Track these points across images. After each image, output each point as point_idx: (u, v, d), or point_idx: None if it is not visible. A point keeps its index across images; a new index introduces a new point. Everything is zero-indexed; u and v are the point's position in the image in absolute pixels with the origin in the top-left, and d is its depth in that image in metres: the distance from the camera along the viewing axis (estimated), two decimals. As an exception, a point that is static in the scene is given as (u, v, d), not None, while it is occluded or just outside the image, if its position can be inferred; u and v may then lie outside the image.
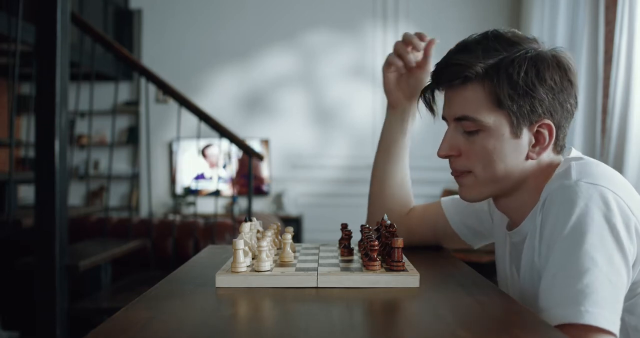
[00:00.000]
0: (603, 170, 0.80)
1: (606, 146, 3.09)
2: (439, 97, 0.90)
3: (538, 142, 0.83)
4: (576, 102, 0.84)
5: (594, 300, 0.69)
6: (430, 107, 0.90)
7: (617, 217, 0.73)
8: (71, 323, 2.05)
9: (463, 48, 0.84)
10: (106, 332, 0.59)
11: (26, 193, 4.57)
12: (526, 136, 0.82)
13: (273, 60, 5.13)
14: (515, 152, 0.82)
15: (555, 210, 0.76)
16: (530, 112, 0.80)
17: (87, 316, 2.19)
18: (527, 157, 0.83)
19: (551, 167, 0.85)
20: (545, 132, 0.82)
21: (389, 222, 0.89)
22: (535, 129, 0.82)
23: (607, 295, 0.70)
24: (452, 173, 0.90)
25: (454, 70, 0.83)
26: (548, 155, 0.85)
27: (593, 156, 3.46)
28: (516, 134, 0.81)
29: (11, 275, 2.64)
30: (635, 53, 2.83)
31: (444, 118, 0.90)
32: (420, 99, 0.90)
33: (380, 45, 5.07)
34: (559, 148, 0.86)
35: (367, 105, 5.12)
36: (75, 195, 5.05)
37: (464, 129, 0.85)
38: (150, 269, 2.70)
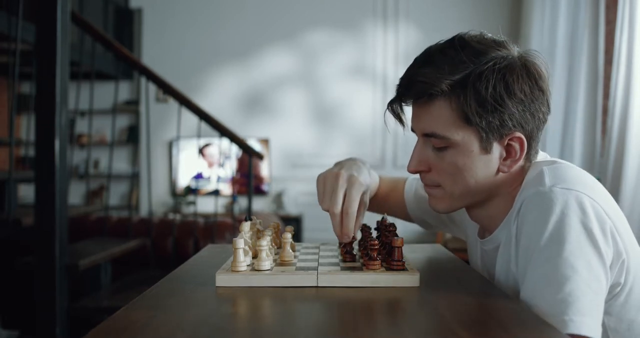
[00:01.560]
0: (576, 174, 0.79)
1: (606, 146, 3.09)
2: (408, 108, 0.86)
3: (509, 154, 0.81)
4: (548, 109, 0.81)
5: (576, 309, 0.68)
6: (399, 119, 0.85)
7: (593, 222, 0.72)
8: (71, 323, 2.05)
9: (428, 60, 0.80)
10: (106, 332, 0.59)
11: (26, 192, 4.57)
12: (497, 150, 0.80)
13: (273, 60, 5.13)
14: (485, 167, 0.81)
15: (532, 217, 0.75)
16: (500, 127, 0.78)
17: (87, 315, 2.19)
18: (498, 171, 0.82)
19: (522, 173, 0.84)
20: (517, 145, 0.80)
21: (389, 221, 0.89)
22: (505, 142, 0.80)
23: (589, 302, 0.69)
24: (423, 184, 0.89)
25: (419, 88, 0.79)
26: (521, 166, 0.83)
27: (593, 156, 3.46)
28: (486, 149, 0.79)
29: (11, 275, 2.64)
30: (635, 53, 2.83)
31: (413, 130, 0.86)
32: (387, 111, 0.84)
33: (380, 45, 5.07)
34: (531, 156, 0.84)
35: (367, 104, 5.12)
36: (75, 194, 5.05)
37: (432, 145, 0.82)
38: (150, 268, 2.70)
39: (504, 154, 0.81)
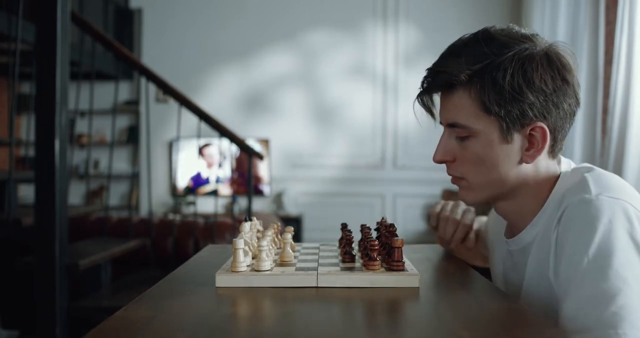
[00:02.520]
0: (618, 183, 0.78)
1: (606, 146, 3.09)
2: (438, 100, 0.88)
3: (532, 145, 0.80)
4: (577, 101, 0.81)
5: (630, 322, 0.66)
6: (430, 111, 0.88)
7: (639, 233, 0.71)
8: (71, 323, 2.05)
9: (452, 52, 0.82)
10: (106, 332, 0.59)
11: (26, 192, 4.57)
12: (518, 140, 0.80)
13: (273, 60, 5.13)
14: (507, 157, 0.80)
15: (578, 226, 0.73)
16: (520, 116, 0.78)
17: (87, 315, 2.19)
18: (522, 161, 0.81)
19: (551, 174, 0.84)
20: (538, 135, 0.80)
21: (389, 221, 0.89)
22: (527, 132, 0.79)
23: (630, 302, 0.67)
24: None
25: (440, 78, 0.81)
26: (546, 161, 0.84)
27: (593, 156, 3.46)
28: (506, 139, 0.79)
29: (11, 275, 2.64)
30: (635, 53, 2.83)
31: (441, 122, 0.87)
32: (417, 103, 0.87)
33: (380, 45, 5.07)
34: (557, 150, 0.84)
35: (367, 104, 5.12)
36: (75, 194, 5.05)
37: (456, 134, 0.83)
38: (150, 268, 2.70)
39: (527, 144, 0.80)
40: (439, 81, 0.82)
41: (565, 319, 0.71)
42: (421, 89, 0.86)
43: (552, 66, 0.78)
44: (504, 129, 0.79)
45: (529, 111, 0.77)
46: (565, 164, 0.88)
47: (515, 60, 0.76)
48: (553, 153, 0.84)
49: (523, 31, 0.81)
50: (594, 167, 0.82)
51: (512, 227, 0.90)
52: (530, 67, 0.76)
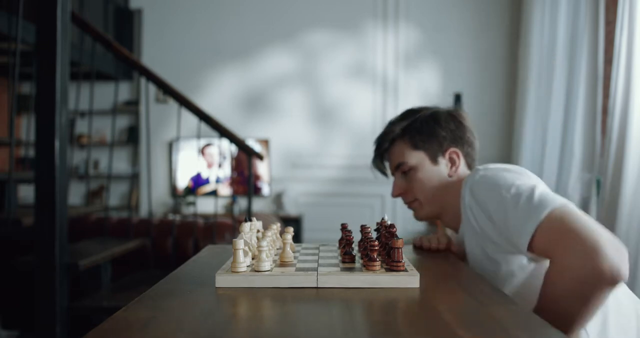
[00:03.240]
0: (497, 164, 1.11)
1: (606, 146, 3.09)
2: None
3: (453, 163, 1.18)
4: (473, 135, 1.21)
5: (552, 198, 0.91)
6: (383, 172, 1.28)
7: (506, 166, 1.06)
8: (71, 323, 2.05)
9: (388, 126, 1.23)
10: (106, 332, 0.59)
11: (26, 192, 4.57)
12: (443, 162, 1.18)
13: (273, 60, 5.13)
14: (439, 174, 1.18)
15: (484, 188, 1.01)
16: (439, 146, 1.18)
17: (87, 315, 2.19)
18: (449, 175, 1.18)
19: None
20: (455, 156, 1.19)
21: (389, 222, 0.89)
22: (447, 155, 1.18)
23: (541, 190, 0.94)
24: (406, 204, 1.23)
25: (384, 140, 1.22)
26: (464, 172, 1.18)
27: (593, 156, 3.46)
28: (436, 161, 1.18)
29: (11, 275, 2.64)
30: (635, 53, 2.83)
31: (393, 174, 1.24)
32: (374, 170, 1.30)
33: (380, 45, 5.07)
34: (471, 164, 1.21)
35: (367, 104, 5.12)
36: (75, 194, 5.05)
37: (402, 172, 1.19)
38: (150, 269, 2.70)
39: (449, 164, 1.18)
40: (383, 142, 1.22)
41: (515, 233, 0.93)
42: (375, 154, 1.26)
43: (451, 115, 1.20)
44: (431, 156, 1.18)
45: (444, 142, 1.18)
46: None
47: (428, 114, 1.19)
48: (469, 166, 1.21)
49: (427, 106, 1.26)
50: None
51: (457, 229, 1.18)
52: (438, 115, 1.19)
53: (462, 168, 1.18)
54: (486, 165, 1.09)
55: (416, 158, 1.17)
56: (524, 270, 0.97)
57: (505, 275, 0.98)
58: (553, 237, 0.87)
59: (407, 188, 1.19)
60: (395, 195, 1.21)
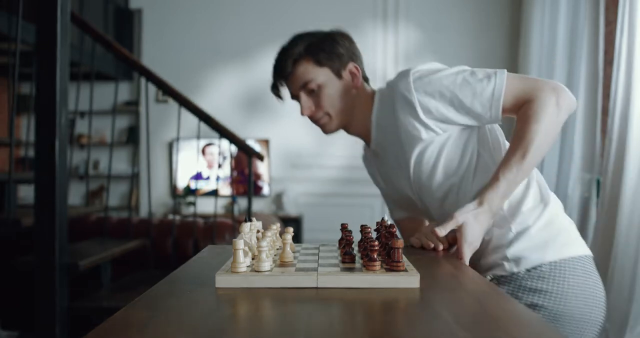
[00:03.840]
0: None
1: (607, 147, 3.09)
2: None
3: (354, 76, 1.26)
4: (360, 53, 1.30)
5: (483, 70, 1.11)
6: (280, 96, 1.34)
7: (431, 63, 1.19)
8: (71, 323, 2.05)
9: (282, 53, 1.27)
10: (106, 332, 0.59)
11: (26, 193, 4.57)
12: (346, 75, 1.25)
13: (273, 60, 5.13)
14: (345, 88, 1.25)
15: (426, 83, 1.12)
16: (340, 62, 1.24)
17: (87, 315, 2.19)
18: (353, 88, 1.26)
19: (370, 92, 1.28)
20: (355, 70, 1.26)
21: (389, 222, 0.89)
22: (347, 69, 1.25)
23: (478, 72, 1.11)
24: (314, 122, 1.28)
25: (285, 63, 1.24)
26: (364, 85, 1.28)
27: (593, 156, 3.46)
28: (340, 76, 1.24)
29: (11, 275, 2.64)
30: (636, 54, 2.82)
31: (293, 97, 1.30)
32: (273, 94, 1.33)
33: (380, 45, 5.07)
34: (366, 79, 1.30)
35: (367, 105, 5.12)
36: (75, 194, 5.05)
37: (310, 90, 1.24)
38: (150, 269, 2.70)
39: (351, 77, 1.26)
40: (285, 65, 1.25)
41: (486, 102, 1.09)
42: (275, 80, 1.30)
43: (343, 34, 1.28)
44: (335, 71, 1.24)
45: (343, 57, 1.25)
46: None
47: (325, 34, 1.26)
48: (367, 82, 1.30)
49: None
50: None
51: (365, 137, 1.29)
52: (334, 35, 1.26)
53: (362, 82, 1.28)
54: (406, 70, 1.17)
55: (323, 75, 1.23)
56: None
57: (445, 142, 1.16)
58: (522, 88, 1.08)
59: (317, 105, 1.25)
60: (307, 113, 1.26)
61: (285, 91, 1.31)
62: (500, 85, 1.08)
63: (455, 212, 1.04)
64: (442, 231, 1.03)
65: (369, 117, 1.25)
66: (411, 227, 1.37)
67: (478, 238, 1.04)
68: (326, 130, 1.29)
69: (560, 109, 1.06)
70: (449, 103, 1.11)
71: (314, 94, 1.24)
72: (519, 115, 1.10)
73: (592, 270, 1.12)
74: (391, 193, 1.36)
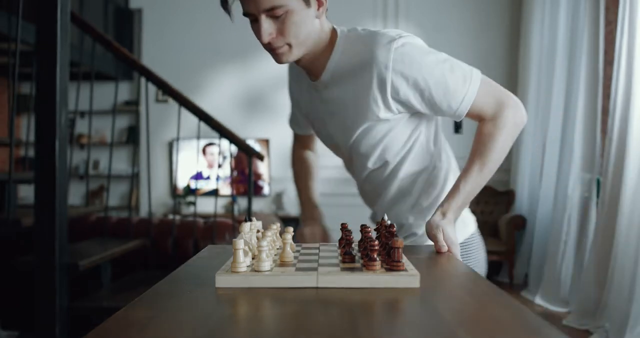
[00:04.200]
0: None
1: (607, 147, 3.09)
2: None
3: (321, 4, 1.12)
4: None
5: (461, 69, 1.11)
6: (228, 12, 1.16)
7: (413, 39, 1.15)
8: (71, 323, 2.05)
9: None
10: (106, 332, 0.59)
11: (26, 192, 4.58)
12: (313, 4, 1.10)
13: (273, 60, 5.13)
14: (310, 16, 1.11)
15: (411, 59, 1.09)
16: None
17: (87, 315, 2.19)
18: (317, 17, 1.13)
19: (329, 27, 1.18)
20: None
21: (389, 222, 0.89)
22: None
23: (455, 60, 1.12)
24: (269, 50, 1.14)
25: None
26: (325, 20, 1.16)
27: (593, 156, 3.45)
28: (308, 4, 1.09)
29: (11, 275, 2.64)
30: (636, 54, 2.83)
31: (248, 15, 1.11)
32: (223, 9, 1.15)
33: (380, 45, 5.07)
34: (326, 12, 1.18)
35: (367, 105, 5.12)
36: (75, 194, 5.05)
37: (274, 15, 1.08)
38: (150, 269, 2.70)
39: (317, 5, 1.11)
40: None
41: (455, 100, 1.11)
42: None
43: None
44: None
45: None
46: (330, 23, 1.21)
47: None
48: (325, 13, 1.17)
49: None
50: (356, 27, 1.19)
51: (314, 72, 1.21)
52: None
53: (324, 15, 1.17)
54: (389, 37, 1.11)
55: (294, 0, 1.07)
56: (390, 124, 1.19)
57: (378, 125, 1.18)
58: (489, 102, 1.12)
59: (279, 32, 1.10)
60: (268, 40, 1.11)
61: (236, 6, 1.15)
62: (472, 93, 1.10)
63: (428, 228, 1.09)
64: (444, 248, 1.06)
65: (327, 57, 1.17)
66: (304, 143, 1.61)
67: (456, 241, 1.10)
68: (282, 60, 1.16)
69: (517, 126, 1.13)
70: (420, 93, 1.11)
71: (278, 19, 1.09)
72: (482, 129, 1.15)
73: (480, 238, 1.31)
74: (310, 123, 1.40)
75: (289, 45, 1.12)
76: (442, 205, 1.12)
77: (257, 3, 1.07)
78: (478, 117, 1.15)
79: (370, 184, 1.32)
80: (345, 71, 1.16)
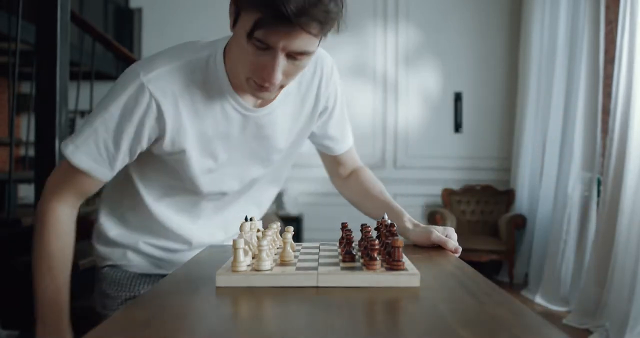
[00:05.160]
0: None
1: (607, 146, 3.09)
2: None
3: None
4: None
5: None
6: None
7: None
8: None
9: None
10: (106, 332, 0.59)
11: (26, 192, 4.57)
12: None
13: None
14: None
15: (337, 79, 1.17)
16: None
17: (87, 315, 2.19)
18: None
19: None
20: None
21: (389, 221, 0.89)
22: None
23: None
24: (257, 87, 0.95)
25: (328, 18, 0.91)
26: None
27: (593, 156, 3.45)
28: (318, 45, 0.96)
29: (11, 275, 2.64)
30: (637, 53, 2.83)
31: (259, 41, 0.88)
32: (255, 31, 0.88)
33: (380, 45, 5.07)
34: None
35: (368, 104, 5.12)
36: (75, 194, 5.04)
37: (294, 58, 0.91)
38: (150, 268, 2.70)
39: None
40: (325, 20, 0.90)
41: (338, 136, 1.26)
42: (294, 12, 0.84)
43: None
44: (320, 41, 0.94)
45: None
46: None
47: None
48: None
49: None
50: None
51: (262, 101, 1.07)
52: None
53: None
54: (329, 62, 1.16)
55: (316, 44, 0.93)
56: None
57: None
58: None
59: (286, 73, 0.94)
60: (279, 81, 0.93)
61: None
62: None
63: (424, 237, 1.09)
64: (459, 247, 1.07)
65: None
66: (80, 197, 1.13)
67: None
68: (265, 98, 1.01)
69: None
70: (339, 111, 1.23)
71: (294, 61, 0.92)
72: (365, 172, 1.39)
73: None
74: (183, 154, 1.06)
75: (282, 86, 0.99)
76: (402, 217, 1.16)
77: (289, 42, 0.88)
78: (349, 161, 1.33)
79: (224, 204, 1.21)
80: (292, 90, 1.11)
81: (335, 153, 1.28)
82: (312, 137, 1.26)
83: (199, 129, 1.04)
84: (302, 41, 0.88)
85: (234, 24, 0.96)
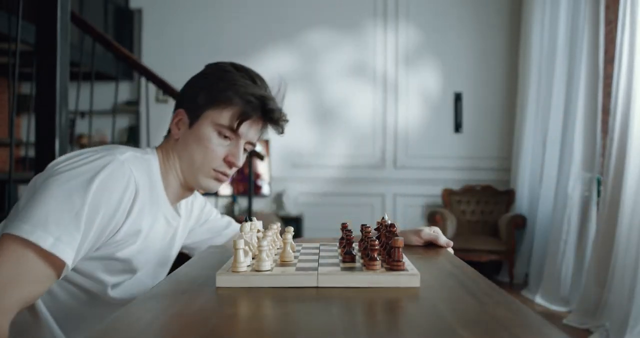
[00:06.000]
0: None
1: (608, 146, 3.09)
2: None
3: None
4: None
5: None
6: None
7: None
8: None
9: (278, 102, 1.24)
10: (106, 332, 0.59)
11: (26, 192, 4.56)
12: None
13: (273, 59, 5.13)
14: None
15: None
16: None
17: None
18: None
19: None
20: None
21: (389, 221, 0.89)
22: None
23: None
24: (219, 177, 1.12)
25: (285, 118, 1.23)
26: None
27: (593, 156, 3.45)
28: None
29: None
30: (637, 53, 2.83)
31: (230, 129, 1.11)
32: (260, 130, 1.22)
33: (380, 45, 5.07)
34: None
35: (368, 104, 5.12)
36: (76, 194, 5.04)
37: (246, 148, 1.16)
38: (150, 269, 2.69)
39: None
40: (284, 120, 1.24)
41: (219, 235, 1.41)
42: (268, 104, 1.19)
43: None
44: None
45: None
46: None
47: None
48: None
49: None
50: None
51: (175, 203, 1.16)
52: None
53: None
54: None
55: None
56: None
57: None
58: None
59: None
60: (240, 165, 1.15)
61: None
62: None
63: (414, 238, 1.13)
64: (450, 241, 1.12)
65: None
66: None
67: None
68: (219, 187, 1.17)
69: None
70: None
71: (246, 151, 1.18)
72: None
73: None
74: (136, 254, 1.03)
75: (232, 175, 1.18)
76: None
77: (254, 133, 1.16)
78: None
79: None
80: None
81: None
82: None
83: (146, 233, 1.02)
84: (258, 134, 1.18)
85: (191, 124, 1.18)
